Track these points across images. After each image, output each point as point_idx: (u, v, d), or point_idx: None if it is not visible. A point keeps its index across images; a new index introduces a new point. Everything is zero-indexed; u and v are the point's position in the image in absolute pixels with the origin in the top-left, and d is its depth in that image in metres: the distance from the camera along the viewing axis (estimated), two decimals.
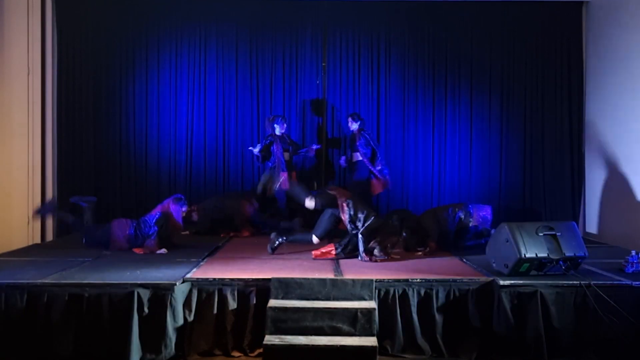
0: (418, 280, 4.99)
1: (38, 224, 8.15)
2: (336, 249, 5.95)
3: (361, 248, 5.78)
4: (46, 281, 4.80)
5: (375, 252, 5.75)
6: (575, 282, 4.85)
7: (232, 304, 4.91)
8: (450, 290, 4.96)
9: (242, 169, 8.79)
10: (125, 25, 8.69)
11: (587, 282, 4.82)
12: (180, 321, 4.80)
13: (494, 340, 4.88)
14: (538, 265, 4.98)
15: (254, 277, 5.01)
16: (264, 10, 8.74)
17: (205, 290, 4.92)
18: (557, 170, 8.69)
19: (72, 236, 7.64)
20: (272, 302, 4.78)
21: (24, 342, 4.66)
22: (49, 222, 8.29)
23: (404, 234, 6.35)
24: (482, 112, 8.82)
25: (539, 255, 4.91)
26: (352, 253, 5.91)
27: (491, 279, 4.97)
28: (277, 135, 8.01)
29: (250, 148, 8.18)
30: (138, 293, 4.66)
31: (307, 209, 6.24)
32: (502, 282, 4.86)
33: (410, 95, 8.83)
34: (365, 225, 5.79)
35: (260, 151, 7.97)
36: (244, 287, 4.94)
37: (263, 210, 7.95)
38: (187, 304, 4.86)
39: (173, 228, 6.42)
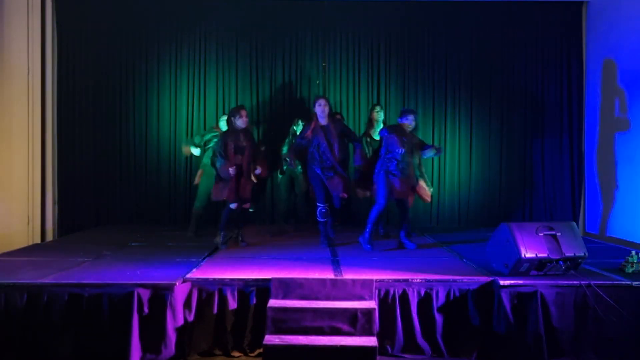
0: (418, 280, 4.99)
1: (38, 224, 8.17)
2: None
3: None
4: (46, 281, 4.79)
5: None
6: (575, 282, 4.85)
7: (232, 304, 4.91)
8: (450, 290, 4.96)
9: None
10: (126, 25, 8.69)
11: (587, 282, 4.82)
12: (180, 321, 4.80)
13: (494, 340, 4.88)
14: (538, 265, 4.98)
15: (254, 277, 5.01)
16: (264, 10, 8.74)
17: (205, 290, 4.92)
18: (557, 170, 8.70)
19: (72, 236, 7.66)
20: (272, 302, 4.78)
21: (24, 342, 4.65)
22: (49, 222, 8.31)
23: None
24: (482, 112, 8.82)
25: (539, 255, 4.91)
26: None
27: (491, 279, 4.97)
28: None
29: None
30: (138, 293, 4.66)
31: None
32: (502, 282, 4.86)
33: (410, 95, 8.83)
34: None
35: None
36: (244, 287, 4.94)
37: None
38: (187, 304, 4.85)
39: None
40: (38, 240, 8.09)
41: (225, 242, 6.49)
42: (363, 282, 4.90)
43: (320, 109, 6.49)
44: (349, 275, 5.06)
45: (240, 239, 6.72)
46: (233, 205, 6.39)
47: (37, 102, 8.21)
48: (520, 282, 4.89)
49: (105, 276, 4.98)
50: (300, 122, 7.75)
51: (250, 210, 6.85)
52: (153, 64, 8.74)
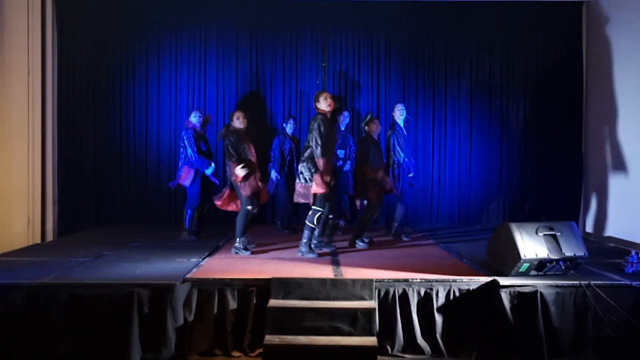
0: (418, 280, 4.99)
1: (38, 224, 8.16)
2: None
3: None
4: (46, 281, 4.80)
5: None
6: (575, 282, 4.85)
7: (232, 304, 4.90)
8: (450, 290, 4.96)
9: None
10: (126, 26, 8.70)
11: (587, 282, 4.83)
12: (180, 321, 4.79)
13: (494, 340, 4.87)
14: (538, 265, 4.98)
15: (254, 277, 5.01)
16: (264, 10, 8.75)
17: (205, 290, 4.92)
18: (557, 170, 8.70)
19: (72, 236, 7.66)
20: (272, 302, 4.78)
21: (24, 342, 4.65)
22: (49, 222, 8.31)
23: None
24: (482, 112, 8.83)
25: (539, 255, 4.91)
26: None
27: (491, 279, 4.97)
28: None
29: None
30: (138, 293, 4.66)
31: None
32: (502, 282, 4.87)
33: (410, 95, 8.84)
34: None
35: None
36: (244, 287, 4.94)
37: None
38: (187, 304, 4.85)
39: None
40: (38, 240, 8.08)
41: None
42: (363, 282, 4.90)
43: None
44: (349, 275, 5.06)
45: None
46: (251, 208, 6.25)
47: (37, 102, 8.20)
48: (520, 282, 4.89)
49: (105, 276, 4.99)
50: (291, 120, 7.84)
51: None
52: (153, 63, 8.75)
